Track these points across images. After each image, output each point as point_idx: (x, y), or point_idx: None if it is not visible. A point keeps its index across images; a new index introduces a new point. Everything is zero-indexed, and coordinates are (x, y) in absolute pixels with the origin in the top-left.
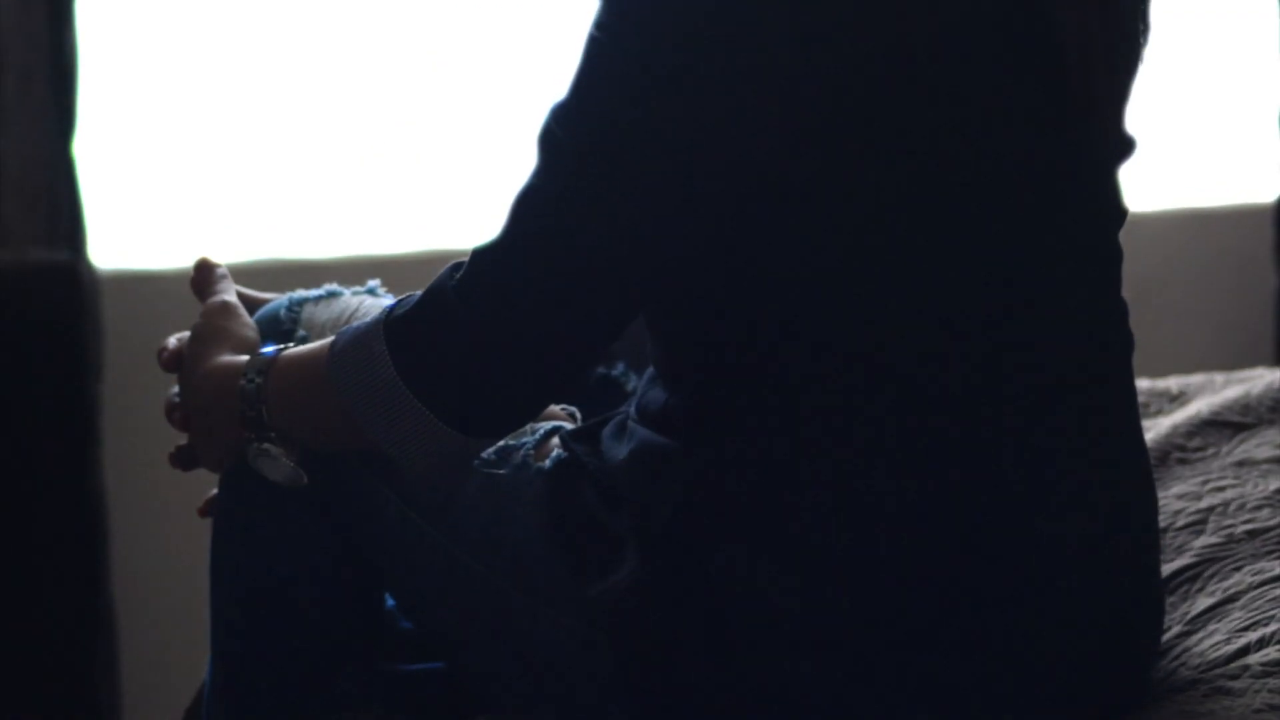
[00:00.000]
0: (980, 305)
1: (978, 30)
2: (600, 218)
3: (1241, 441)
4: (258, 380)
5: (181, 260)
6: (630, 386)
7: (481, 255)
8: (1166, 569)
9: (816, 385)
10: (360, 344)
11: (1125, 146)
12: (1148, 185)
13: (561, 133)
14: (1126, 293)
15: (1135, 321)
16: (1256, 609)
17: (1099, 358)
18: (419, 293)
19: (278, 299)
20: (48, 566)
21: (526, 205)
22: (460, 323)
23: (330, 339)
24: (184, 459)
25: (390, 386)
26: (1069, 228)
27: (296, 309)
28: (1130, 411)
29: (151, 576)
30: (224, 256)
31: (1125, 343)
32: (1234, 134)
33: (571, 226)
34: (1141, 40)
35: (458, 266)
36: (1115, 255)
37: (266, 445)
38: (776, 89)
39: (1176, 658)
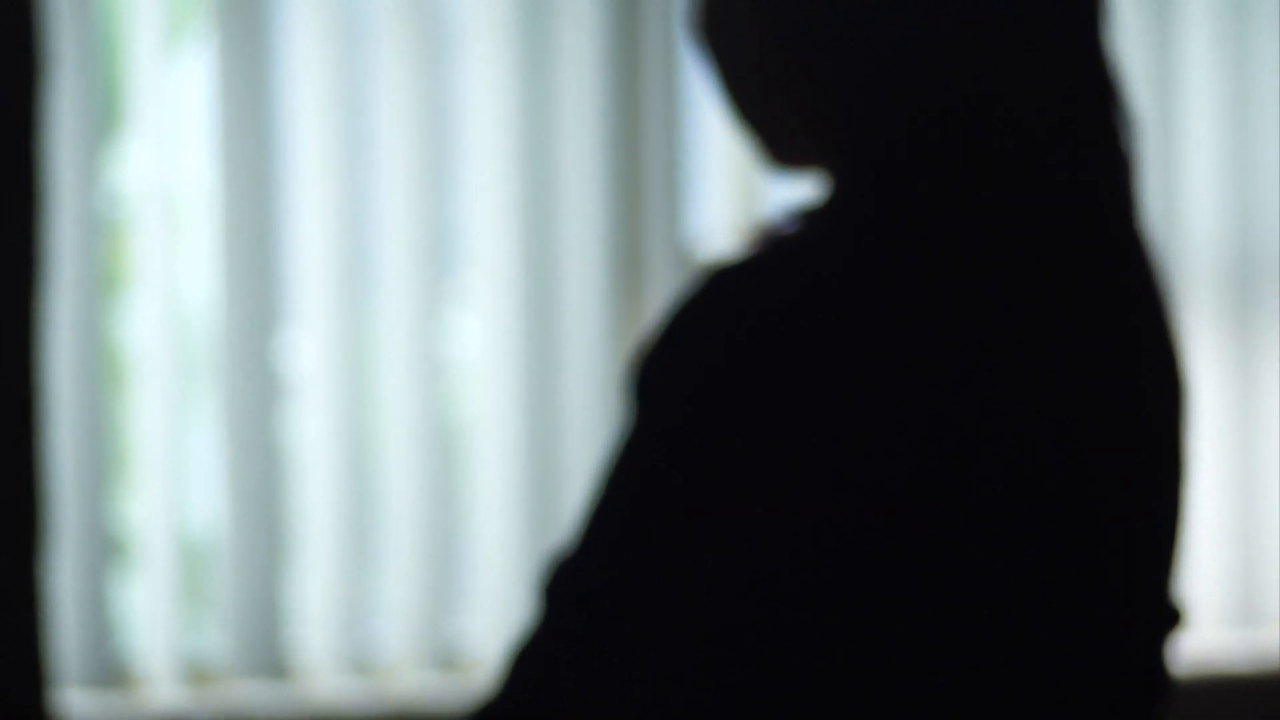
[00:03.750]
0: None
1: (1012, 500)
2: (604, 685)
3: None
4: None
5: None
6: None
7: (480, 716)
8: None
9: None
10: None
11: (1168, 619)
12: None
13: (568, 592)
14: None
15: None
16: None
17: None
18: None
19: None
20: None
21: (525, 664)
22: None
23: None
24: None
25: None
26: (1105, 707)
27: None
28: None
29: None
30: None
31: None
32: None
33: (574, 695)
34: (1181, 520)
35: None
36: None
37: None
38: (800, 567)
39: None
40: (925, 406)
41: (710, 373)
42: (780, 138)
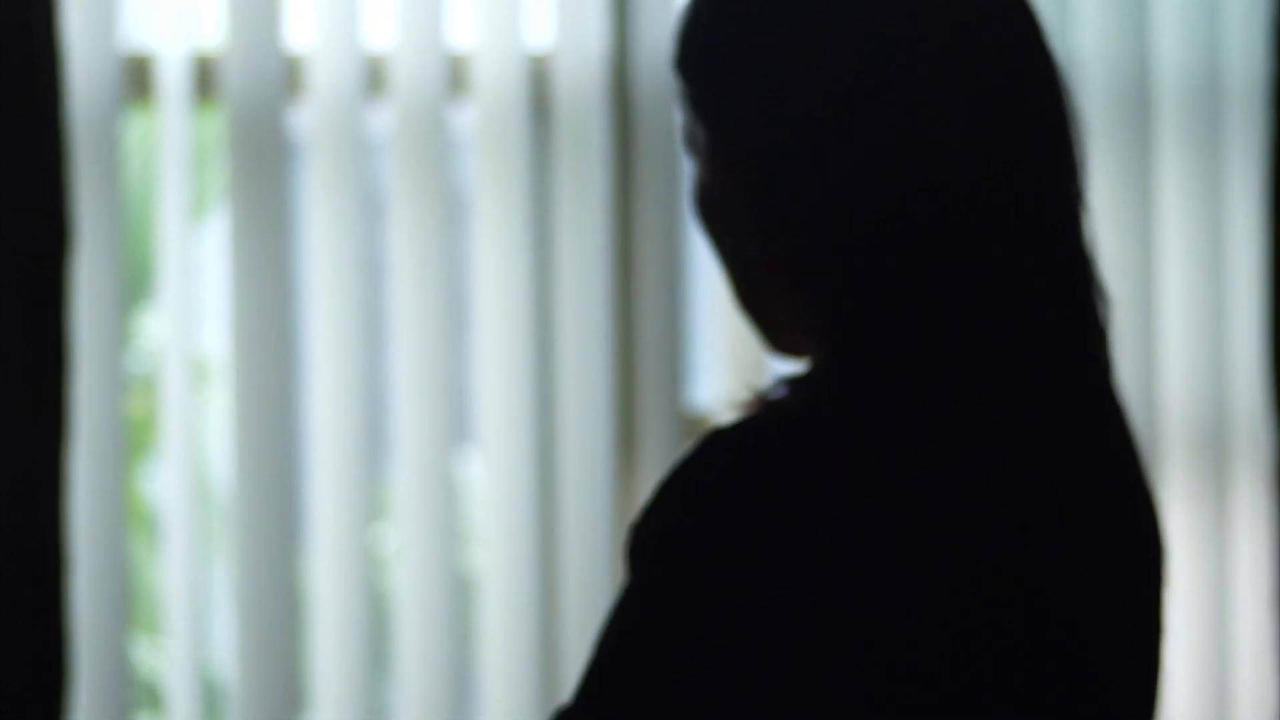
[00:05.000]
0: None
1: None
2: None
3: None
4: None
5: None
6: None
7: None
8: None
9: None
10: None
11: None
12: None
13: None
14: None
15: None
16: None
17: None
18: None
19: None
20: None
21: None
22: None
23: None
24: None
25: None
26: None
27: None
28: None
29: None
30: None
31: None
32: None
33: None
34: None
35: None
36: None
37: None
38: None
39: None
40: (901, 565)
41: (699, 532)
42: (776, 323)
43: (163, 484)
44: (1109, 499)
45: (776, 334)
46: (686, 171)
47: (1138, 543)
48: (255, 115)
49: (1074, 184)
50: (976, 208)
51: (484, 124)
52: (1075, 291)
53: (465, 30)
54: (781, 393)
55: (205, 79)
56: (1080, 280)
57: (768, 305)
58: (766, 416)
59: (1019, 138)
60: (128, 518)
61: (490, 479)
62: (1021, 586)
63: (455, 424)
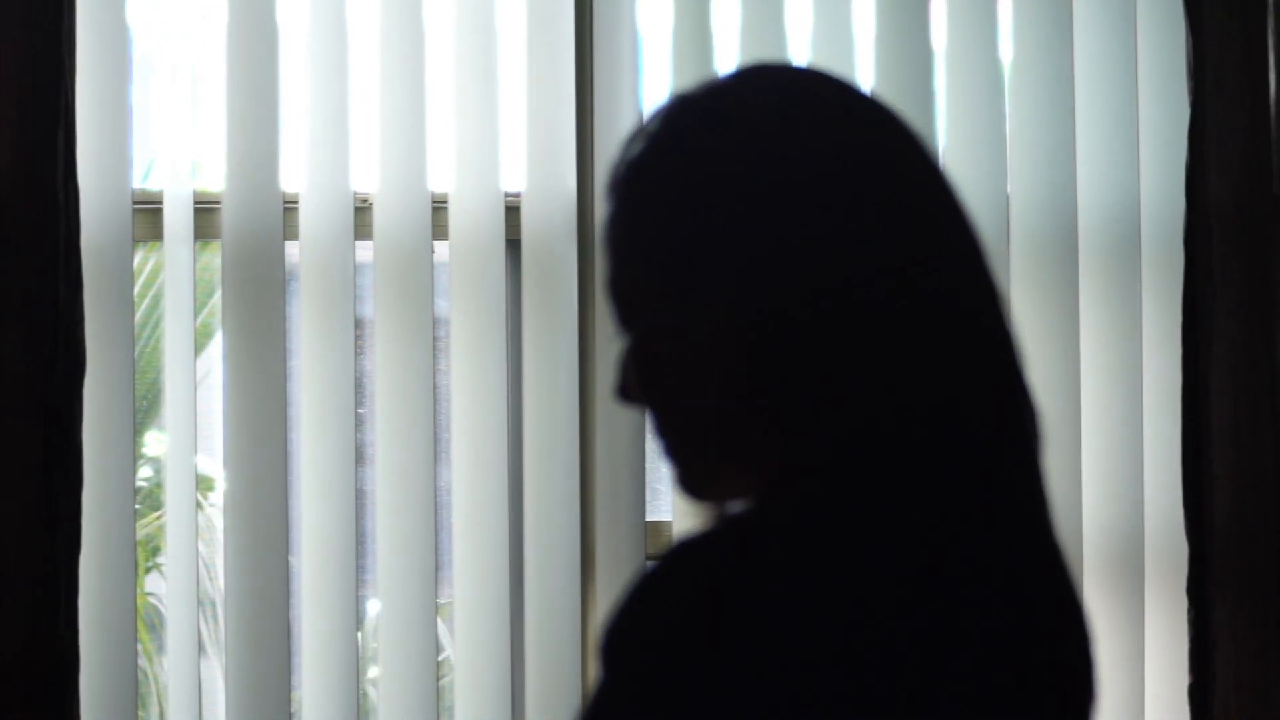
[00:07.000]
0: None
1: None
2: None
3: None
4: None
5: None
6: None
7: None
8: None
9: None
10: None
11: None
12: None
13: None
14: None
15: None
16: None
17: None
18: None
19: None
20: None
21: None
22: None
23: None
24: None
25: None
26: None
27: None
28: None
29: None
30: None
31: None
32: None
33: None
34: None
35: None
36: None
37: None
38: None
39: None
40: (849, 674)
41: (663, 637)
42: (709, 464)
43: (165, 589)
44: (1045, 618)
45: (706, 474)
46: None
47: (1069, 667)
48: (252, 251)
49: (991, 284)
50: (925, 368)
51: (461, 258)
52: (1015, 436)
53: (445, 173)
54: (739, 507)
55: (207, 218)
56: (1020, 423)
57: (703, 449)
58: (725, 529)
59: (941, 255)
60: (136, 620)
61: (464, 579)
62: (963, 688)
63: (432, 532)
